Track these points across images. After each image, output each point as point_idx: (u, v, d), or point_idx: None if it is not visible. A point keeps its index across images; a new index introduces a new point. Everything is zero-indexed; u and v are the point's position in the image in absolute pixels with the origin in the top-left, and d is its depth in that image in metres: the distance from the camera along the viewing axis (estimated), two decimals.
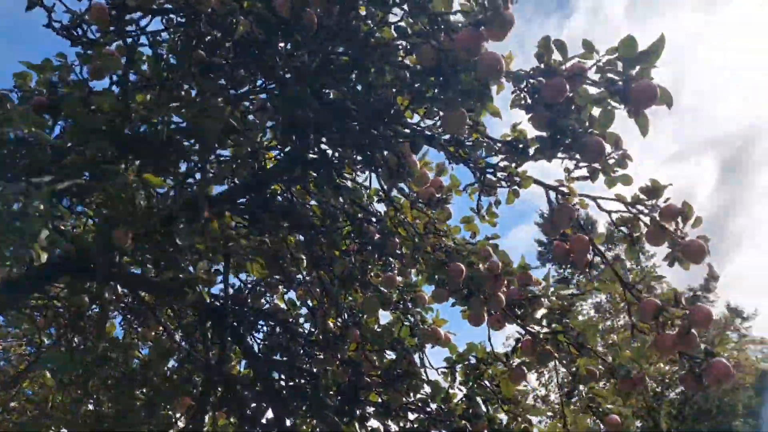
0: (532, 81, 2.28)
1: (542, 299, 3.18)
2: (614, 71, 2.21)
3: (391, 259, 3.51)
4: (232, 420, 3.66)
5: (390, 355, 3.51)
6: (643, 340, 2.78)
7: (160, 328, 3.82)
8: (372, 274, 3.56)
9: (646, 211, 2.47)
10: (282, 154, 3.11)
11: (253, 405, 3.26)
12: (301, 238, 3.42)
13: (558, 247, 2.73)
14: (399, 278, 3.68)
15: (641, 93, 2.14)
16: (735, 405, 20.42)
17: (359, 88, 2.59)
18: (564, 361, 3.08)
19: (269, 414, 3.32)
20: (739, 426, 20.51)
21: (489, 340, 3.37)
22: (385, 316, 3.76)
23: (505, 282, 3.03)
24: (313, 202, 3.38)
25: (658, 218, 2.44)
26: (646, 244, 2.51)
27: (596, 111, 2.35)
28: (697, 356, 2.33)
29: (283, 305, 3.93)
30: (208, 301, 3.40)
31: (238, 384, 3.05)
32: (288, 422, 3.32)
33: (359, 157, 2.96)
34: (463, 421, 3.15)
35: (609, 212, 2.62)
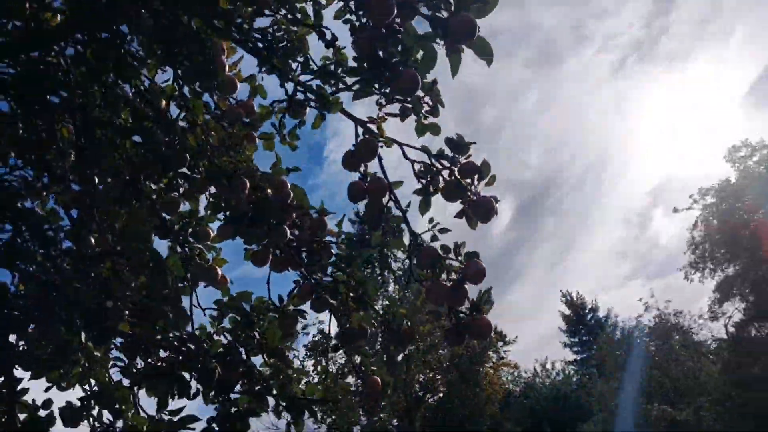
0: None
1: (332, 247, 3.03)
2: (446, 8, 2.11)
3: (178, 180, 3.15)
4: None
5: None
6: (414, 307, 2.75)
7: None
8: (154, 190, 3.15)
9: (447, 165, 2.43)
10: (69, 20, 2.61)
11: None
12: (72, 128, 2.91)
13: (356, 185, 2.57)
14: (186, 205, 3.34)
15: (460, 25, 2.04)
16: (483, 414, 22.60)
17: None
18: (338, 314, 2.95)
19: None
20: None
21: (268, 283, 3.11)
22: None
23: (295, 217, 2.82)
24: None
25: (457, 173, 2.40)
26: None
27: (420, 54, 2.25)
28: (463, 312, 2.32)
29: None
30: None
31: None
32: (12, 338, 2.81)
33: (159, 51, 2.58)
34: (215, 363, 2.86)
35: (413, 162, 2.54)
